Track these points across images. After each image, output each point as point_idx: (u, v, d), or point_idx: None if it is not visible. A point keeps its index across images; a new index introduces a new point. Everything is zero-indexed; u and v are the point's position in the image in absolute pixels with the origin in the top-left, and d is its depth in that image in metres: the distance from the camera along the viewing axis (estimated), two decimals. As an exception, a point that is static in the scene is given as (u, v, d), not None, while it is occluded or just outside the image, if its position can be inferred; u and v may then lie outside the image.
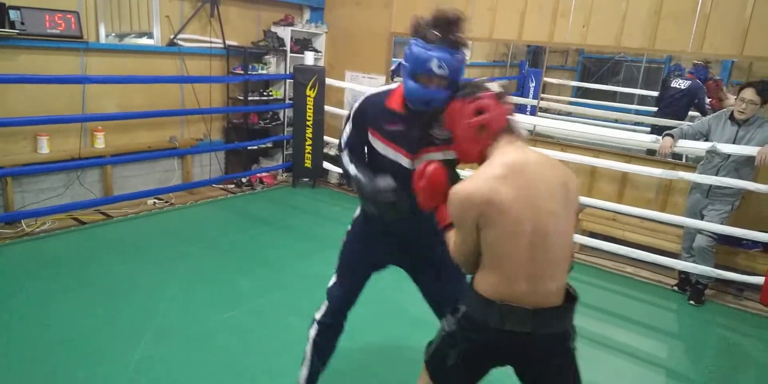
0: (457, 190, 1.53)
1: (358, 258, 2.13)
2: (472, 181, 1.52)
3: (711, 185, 3.68)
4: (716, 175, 3.65)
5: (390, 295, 3.25)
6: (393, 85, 1.91)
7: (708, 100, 5.18)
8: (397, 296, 3.24)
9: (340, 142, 2.05)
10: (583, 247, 4.56)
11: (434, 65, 1.67)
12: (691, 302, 3.81)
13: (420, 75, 1.70)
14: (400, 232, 2.04)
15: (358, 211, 2.16)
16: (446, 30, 1.69)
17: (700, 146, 3.73)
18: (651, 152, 4.62)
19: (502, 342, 1.56)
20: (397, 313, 3.27)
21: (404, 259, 2.12)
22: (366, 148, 1.99)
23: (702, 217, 3.77)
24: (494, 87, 1.64)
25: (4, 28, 3.86)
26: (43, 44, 4.14)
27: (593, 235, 4.53)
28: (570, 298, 1.59)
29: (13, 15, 3.92)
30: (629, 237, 4.38)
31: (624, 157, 4.55)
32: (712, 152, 3.65)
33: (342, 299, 2.14)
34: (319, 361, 2.18)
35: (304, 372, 2.20)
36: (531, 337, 1.51)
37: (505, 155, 1.56)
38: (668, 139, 3.77)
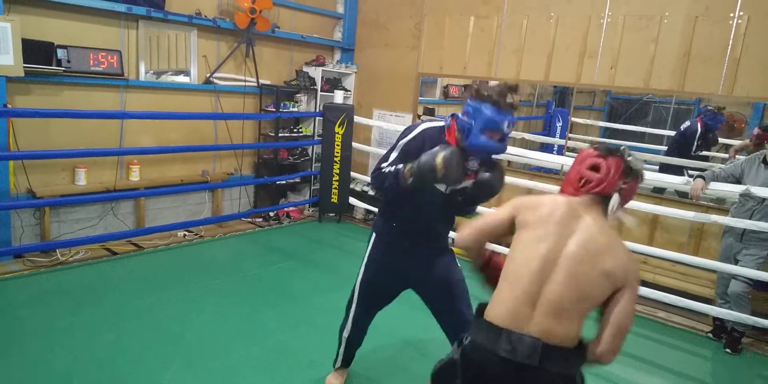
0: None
1: (376, 290, 2.52)
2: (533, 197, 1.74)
3: (745, 229, 3.60)
4: (750, 218, 3.58)
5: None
6: (442, 123, 2.27)
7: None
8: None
9: (379, 166, 2.29)
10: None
11: (505, 126, 2.06)
12: (727, 350, 3.68)
13: (490, 131, 2.06)
14: (417, 254, 2.39)
15: (372, 243, 2.51)
16: (509, 98, 2.05)
17: (733, 189, 3.67)
18: (681, 194, 4.61)
19: (495, 371, 1.54)
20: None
21: (419, 284, 2.43)
22: None
23: (736, 262, 3.68)
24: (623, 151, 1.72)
25: (51, 65, 4.07)
26: (86, 81, 4.34)
27: (623, 277, 4.44)
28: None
29: (61, 53, 4.14)
30: (660, 281, 4.28)
31: (654, 199, 4.49)
32: (746, 196, 3.59)
33: (365, 324, 2.65)
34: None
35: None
36: (537, 372, 1.50)
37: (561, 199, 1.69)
38: (699, 181, 3.73)
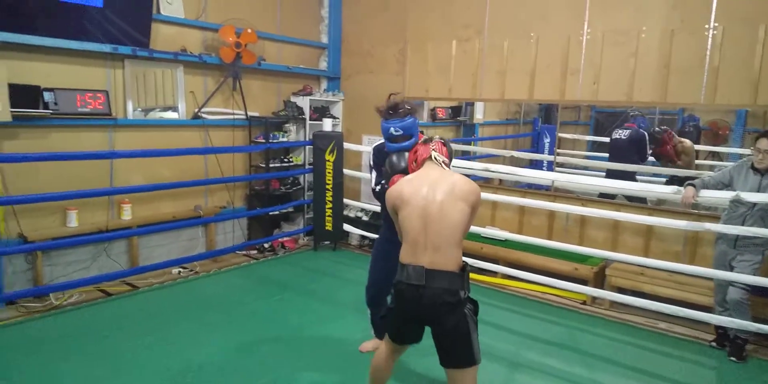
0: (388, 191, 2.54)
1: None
2: (394, 186, 2.52)
3: (738, 235, 3.61)
4: (743, 224, 3.59)
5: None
6: (382, 140, 3.08)
7: (664, 148, 5.67)
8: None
9: (373, 188, 3.20)
10: (613, 304, 4.44)
11: (393, 130, 2.89)
12: (732, 359, 3.65)
13: (389, 136, 2.93)
14: None
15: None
16: (395, 109, 2.89)
17: (723, 196, 3.70)
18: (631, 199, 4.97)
19: (405, 293, 2.30)
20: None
21: None
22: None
23: (731, 269, 3.67)
24: (431, 138, 2.69)
25: (38, 109, 4.09)
26: (73, 122, 4.36)
27: (621, 290, 4.43)
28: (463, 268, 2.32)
29: (48, 96, 4.17)
30: (659, 291, 4.27)
31: (646, 210, 4.51)
32: (736, 202, 3.61)
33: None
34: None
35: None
36: (425, 290, 2.24)
37: (417, 172, 2.56)
38: (690, 189, 3.75)
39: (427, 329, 2.39)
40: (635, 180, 5.48)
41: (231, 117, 5.60)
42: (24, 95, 3.98)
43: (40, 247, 4.15)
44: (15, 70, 3.97)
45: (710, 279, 3.90)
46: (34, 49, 4.12)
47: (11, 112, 3.82)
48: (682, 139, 5.72)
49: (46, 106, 4.14)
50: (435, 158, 2.54)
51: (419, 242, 2.29)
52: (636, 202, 4.89)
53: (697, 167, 5.71)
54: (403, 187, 2.42)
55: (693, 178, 3.97)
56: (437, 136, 2.70)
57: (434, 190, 2.34)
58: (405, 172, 2.74)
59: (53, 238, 4.25)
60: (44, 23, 4.08)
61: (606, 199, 5.01)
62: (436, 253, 2.26)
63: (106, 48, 4.42)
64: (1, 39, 3.84)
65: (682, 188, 3.83)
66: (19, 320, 3.84)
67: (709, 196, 3.77)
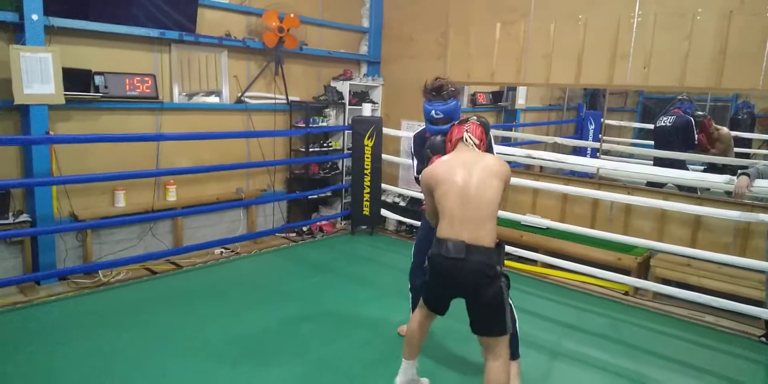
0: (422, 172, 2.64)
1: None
2: (428, 167, 2.61)
3: (794, 227, 3.46)
4: (800, 216, 3.44)
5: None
6: (423, 127, 3.12)
7: (697, 136, 5.37)
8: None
9: (415, 177, 3.10)
10: (657, 295, 4.33)
11: (433, 113, 2.89)
12: (784, 355, 3.52)
13: (428, 119, 2.94)
14: None
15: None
16: (438, 91, 2.86)
17: (780, 186, 3.54)
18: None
19: (444, 265, 2.40)
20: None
21: None
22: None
23: (786, 262, 3.53)
24: (467, 119, 2.70)
25: (89, 92, 4.22)
26: (122, 105, 4.48)
27: (666, 282, 4.31)
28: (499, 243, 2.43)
29: (98, 80, 4.29)
30: (706, 284, 4.14)
31: (695, 200, 4.36)
32: (793, 192, 3.45)
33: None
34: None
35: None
36: (465, 262, 2.34)
37: (452, 153, 2.61)
38: (744, 178, 3.59)
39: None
40: (686, 168, 5.28)
41: (272, 101, 5.65)
42: (76, 79, 4.12)
43: (89, 226, 4.30)
44: (68, 54, 4.10)
45: (762, 272, 3.76)
46: (87, 34, 4.24)
47: (64, 95, 3.96)
48: (719, 127, 5.48)
49: (96, 89, 4.27)
50: (466, 139, 2.59)
51: (457, 218, 2.39)
52: (686, 192, 4.72)
53: (750, 156, 5.47)
54: (437, 167, 2.52)
55: (739, 167, 3.81)
56: (474, 117, 2.72)
57: (469, 170, 2.44)
58: (443, 153, 2.76)
59: (102, 217, 4.40)
60: (96, 9, 4.19)
61: (654, 187, 4.85)
62: (476, 228, 2.36)
63: (154, 33, 4.50)
64: (56, 24, 3.95)
65: (734, 177, 3.68)
66: (70, 295, 4.00)
67: (763, 185, 3.61)
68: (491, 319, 2.39)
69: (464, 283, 2.39)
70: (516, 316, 2.74)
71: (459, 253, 2.34)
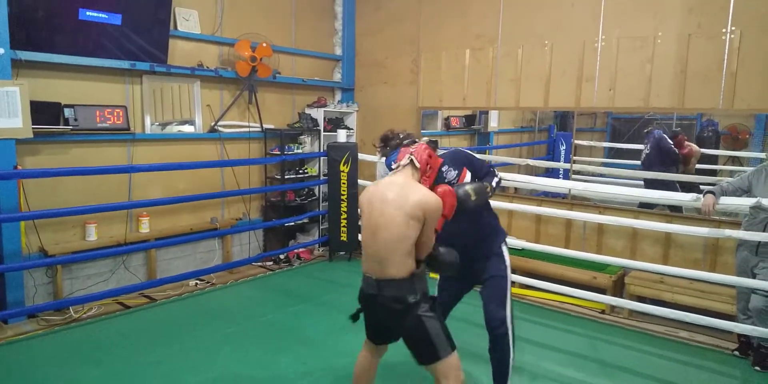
0: None
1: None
2: (362, 193, 2.52)
3: (760, 242, 3.54)
4: (764, 230, 3.52)
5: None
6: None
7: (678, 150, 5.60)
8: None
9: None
10: (632, 312, 4.37)
11: (393, 165, 2.63)
12: (757, 368, 3.56)
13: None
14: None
15: None
16: (386, 142, 2.77)
17: (744, 202, 3.62)
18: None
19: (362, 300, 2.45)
20: None
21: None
22: None
23: (754, 276, 3.59)
24: (413, 141, 2.64)
25: (59, 125, 4.18)
26: (93, 137, 4.44)
27: (640, 299, 4.36)
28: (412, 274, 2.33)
29: (68, 112, 4.26)
30: (679, 299, 4.19)
31: (665, 217, 4.44)
32: (757, 208, 3.54)
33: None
34: None
35: None
36: (376, 298, 2.34)
37: (387, 177, 2.48)
38: (710, 196, 3.68)
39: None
40: (677, 189, 5.37)
41: (247, 130, 5.66)
42: (45, 112, 4.09)
43: (60, 261, 4.21)
44: (36, 87, 4.07)
45: (732, 286, 3.83)
46: (55, 67, 4.22)
47: (32, 128, 3.91)
48: (690, 144, 5.68)
49: (66, 122, 4.24)
50: (403, 164, 2.48)
51: (368, 252, 2.38)
52: (677, 212, 4.78)
53: (717, 173, 5.62)
54: (364, 195, 2.47)
55: (701, 185, 3.90)
56: (425, 139, 2.68)
57: (385, 202, 2.32)
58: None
59: (73, 251, 4.31)
60: (65, 41, 4.18)
61: (646, 208, 4.90)
62: (384, 263, 2.31)
63: (125, 64, 4.51)
64: (23, 58, 3.94)
65: (701, 196, 3.77)
66: (39, 333, 3.89)
67: (729, 202, 3.70)
68: (418, 348, 2.37)
69: (382, 315, 2.41)
70: (513, 350, 2.75)
71: (371, 289, 2.36)
